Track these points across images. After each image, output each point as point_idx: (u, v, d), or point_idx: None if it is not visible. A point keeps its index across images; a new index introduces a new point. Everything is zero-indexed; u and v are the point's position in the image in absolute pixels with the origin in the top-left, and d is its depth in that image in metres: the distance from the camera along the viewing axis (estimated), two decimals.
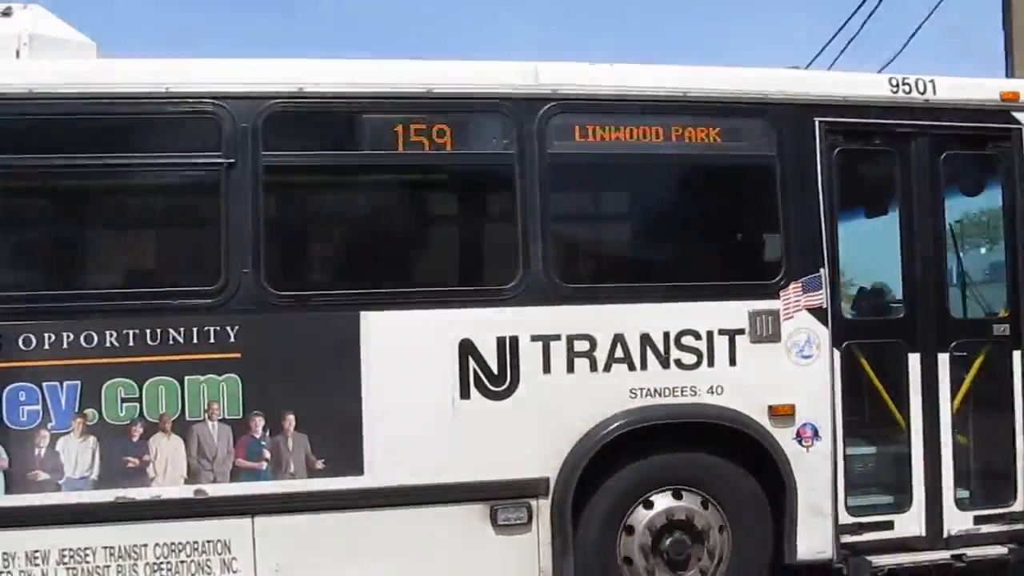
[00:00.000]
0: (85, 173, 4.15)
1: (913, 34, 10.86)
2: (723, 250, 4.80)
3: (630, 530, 4.34)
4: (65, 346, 3.94)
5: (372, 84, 4.25)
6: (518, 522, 4.22)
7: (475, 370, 4.19)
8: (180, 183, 4.36)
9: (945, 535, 4.65)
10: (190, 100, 4.10)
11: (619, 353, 4.31)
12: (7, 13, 4.35)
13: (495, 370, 4.21)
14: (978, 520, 4.70)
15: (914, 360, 4.66)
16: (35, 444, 3.92)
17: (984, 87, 4.80)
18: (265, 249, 4.06)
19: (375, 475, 4.11)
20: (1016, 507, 4.73)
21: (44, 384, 3.93)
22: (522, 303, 4.25)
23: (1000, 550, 4.68)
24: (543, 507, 4.24)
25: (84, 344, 3.95)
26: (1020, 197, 4.76)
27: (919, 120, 4.68)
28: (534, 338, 4.24)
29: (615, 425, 4.26)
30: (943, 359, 4.68)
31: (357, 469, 4.10)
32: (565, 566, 4.22)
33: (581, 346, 4.28)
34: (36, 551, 3.93)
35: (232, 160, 4.05)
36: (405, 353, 4.15)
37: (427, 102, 4.28)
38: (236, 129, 4.06)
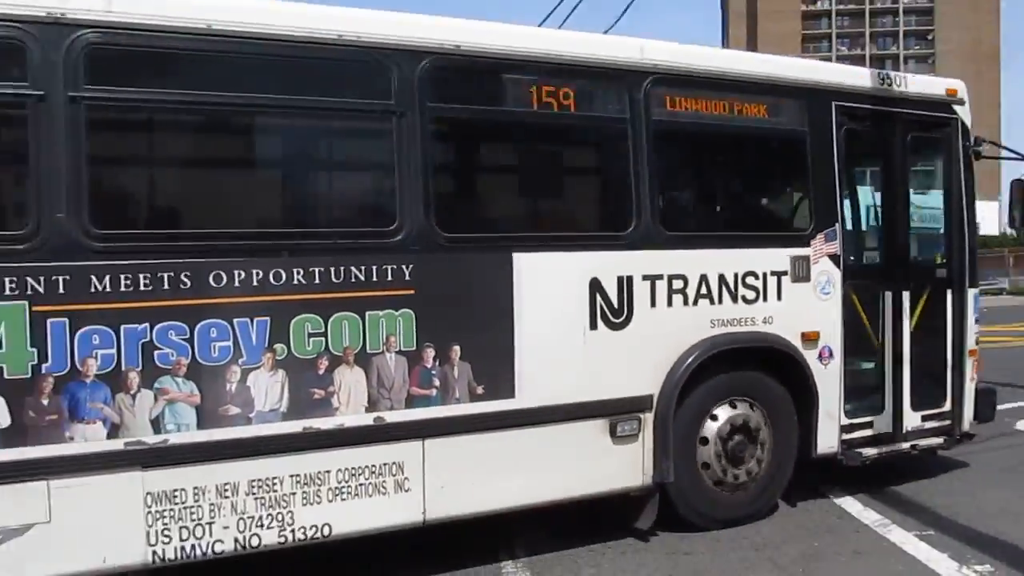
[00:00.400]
0: (265, 113, 4.22)
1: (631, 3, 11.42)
2: (773, 206, 5.81)
3: (715, 417, 5.28)
4: (255, 283, 4.04)
5: (515, 47, 4.66)
6: (631, 433, 4.95)
7: (601, 305, 4.84)
8: (357, 128, 4.52)
9: (904, 431, 6.06)
10: (362, 49, 4.28)
11: (703, 290, 5.15)
12: None
13: (616, 304, 4.88)
14: (924, 418, 6.15)
15: (887, 296, 5.98)
16: (227, 379, 4.01)
17: (935, 84, 6.18)
18: (435, 193, 4.39)
19: (523, 397, 4.63)
20: (945, 408, 6.26)
21: (235, 320, 4.01)
22: (635, 247, 4.94)
23: (937, 440, 6.20)
24: (648, 419, 5.01)
25: (273, 281, 4.08)
26: (953, 176, 6.22)
27: (895, 108, 5.93)
28: (644, 277, 4.96)
29: (701, 350, 5.11)
30: (905, 295, 6.04)
31: (509, 393, 4.60)
32: (664, 467, 5.04)
33: (677, 284, 5.07)
34: (226, 483, 4.04)
35: (403, 110, 4.32)
36: (548, 290, 4.69)
37: (556, 67, 4.77)
38: (404, 80, 4.32)
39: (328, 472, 4.23)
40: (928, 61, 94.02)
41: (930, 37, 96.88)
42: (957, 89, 6.20)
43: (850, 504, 5.81)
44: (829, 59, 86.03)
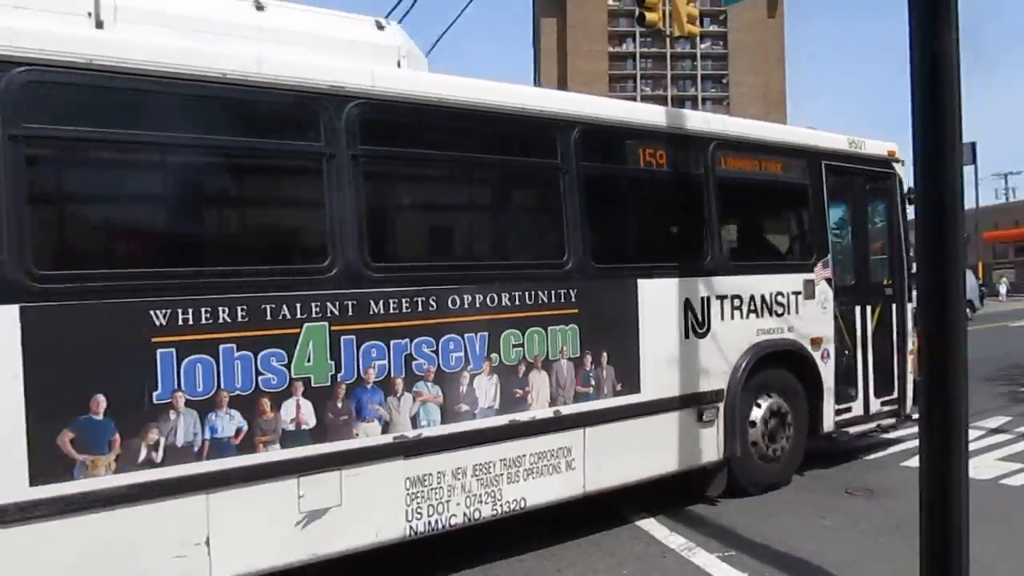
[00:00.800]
0: (480, 169, 5.27)
1: (452, 23, 11.95)
2: (791, 241, 7.41)
3: (759, 405, 6.77)
4: (478, 305, 5.05)
5: (629, 119, 5.96)
6: (711, 419, 6.33)
7: (691, 319, 6.19)
8: (540, 182, 5.61)
9: (870, 413, 7.84)
10: (541, 119, 5.43)
11: (752, 306, 6.64)
12: (381, 27, 5.12)
13: (700, 318, 6.25)
14: (883, 403, 7.97)
15: (858, 309, 7.75)
16: (460, 383, 4.98)
17: (881, 146, 8.07)
18: (591, 234, 5.57)
19: (646, 392, 5.88)
20: (895, 395, 8.11)
21: (465, 335, 5.00)
22: (710, 273, 6.35)
23: (891, 421, 8.04)
24: (720, 408, 6.41)
25: (489, 304, 5.10)
26: (894, 217, 8.13)
27: (859, 165, 7.75)
28: (717, 297, 6.37)
29: (753, 353, 6.59)
30: (868, 308, 7.84)
31: (637, 388, 5.84)
32: (732, 446, 6.44)
33: (736, 303, 6.53)
34: (458, 467, 5.00)
35: (566, 168, 5.49)
36: (659, 308, 5.98)
37: (654, 133, 6.11)
38: (566, 144, 5.50)
39: (524, 456, 5.28)
40: (723, 103, 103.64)
41: (725, 81, 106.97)
42: (895, 150, 8.14)
43: (656, 528, 6.05)
44: (634, 99, 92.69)
